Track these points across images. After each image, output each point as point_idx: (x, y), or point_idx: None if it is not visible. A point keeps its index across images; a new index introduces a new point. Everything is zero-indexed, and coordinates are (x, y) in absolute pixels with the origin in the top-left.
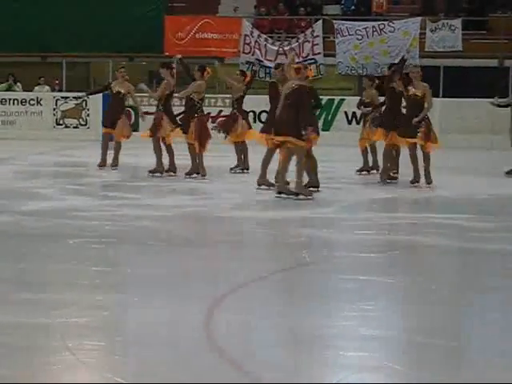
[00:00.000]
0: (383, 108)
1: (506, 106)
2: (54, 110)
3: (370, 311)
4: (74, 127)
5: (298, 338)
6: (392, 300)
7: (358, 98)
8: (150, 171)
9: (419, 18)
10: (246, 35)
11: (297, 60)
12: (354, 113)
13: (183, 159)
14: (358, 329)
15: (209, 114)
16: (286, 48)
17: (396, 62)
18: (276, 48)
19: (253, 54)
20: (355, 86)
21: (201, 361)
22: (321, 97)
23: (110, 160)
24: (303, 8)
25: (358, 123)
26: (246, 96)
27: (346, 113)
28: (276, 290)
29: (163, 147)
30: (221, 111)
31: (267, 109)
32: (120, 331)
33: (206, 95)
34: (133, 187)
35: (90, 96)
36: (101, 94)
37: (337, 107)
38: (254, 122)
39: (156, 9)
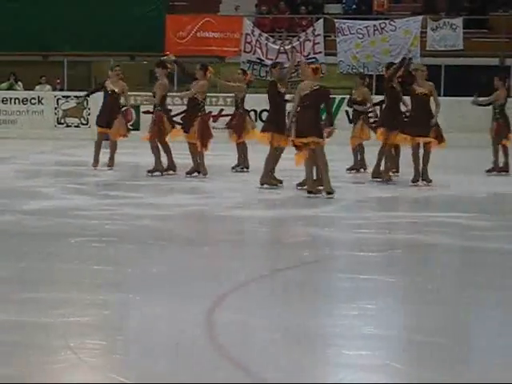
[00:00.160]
0: (383, 107)
1: (488, 104)
2: (56, 109)
3: (370, 310)
4: (76, 126)
5: (299, 336)
6: (392, 299)
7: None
8: (149, 171)
9: (420, 17)
10: (247, 34)
11: (298, 59)
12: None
13: (184, 158)
14: (358, 327)
15: (210, 112)
16: (287, 47)
17: (396, 61)
18: (277, 47)
19: (254, 53)
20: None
21: (202, 360)
22: None
23: (106, 159)
24: (304, 7)
25: (350, 122)
26: (247, 95)
27: (347, 112)
28: (277, 289)
29: (160, 146)
30: (222, 110)
31: (268, 108)
32: (121, 330)
33: (207, 94)
34: (134, 186)
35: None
36: (102, 93)
37: (338, 106)
38: (255, 120)
39: (156, 8)
